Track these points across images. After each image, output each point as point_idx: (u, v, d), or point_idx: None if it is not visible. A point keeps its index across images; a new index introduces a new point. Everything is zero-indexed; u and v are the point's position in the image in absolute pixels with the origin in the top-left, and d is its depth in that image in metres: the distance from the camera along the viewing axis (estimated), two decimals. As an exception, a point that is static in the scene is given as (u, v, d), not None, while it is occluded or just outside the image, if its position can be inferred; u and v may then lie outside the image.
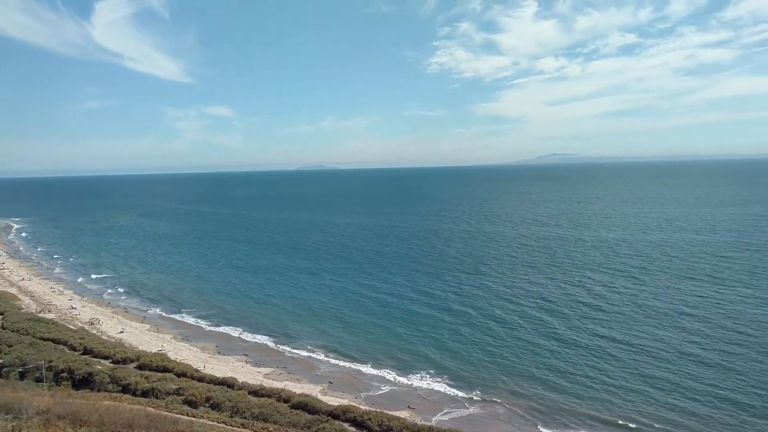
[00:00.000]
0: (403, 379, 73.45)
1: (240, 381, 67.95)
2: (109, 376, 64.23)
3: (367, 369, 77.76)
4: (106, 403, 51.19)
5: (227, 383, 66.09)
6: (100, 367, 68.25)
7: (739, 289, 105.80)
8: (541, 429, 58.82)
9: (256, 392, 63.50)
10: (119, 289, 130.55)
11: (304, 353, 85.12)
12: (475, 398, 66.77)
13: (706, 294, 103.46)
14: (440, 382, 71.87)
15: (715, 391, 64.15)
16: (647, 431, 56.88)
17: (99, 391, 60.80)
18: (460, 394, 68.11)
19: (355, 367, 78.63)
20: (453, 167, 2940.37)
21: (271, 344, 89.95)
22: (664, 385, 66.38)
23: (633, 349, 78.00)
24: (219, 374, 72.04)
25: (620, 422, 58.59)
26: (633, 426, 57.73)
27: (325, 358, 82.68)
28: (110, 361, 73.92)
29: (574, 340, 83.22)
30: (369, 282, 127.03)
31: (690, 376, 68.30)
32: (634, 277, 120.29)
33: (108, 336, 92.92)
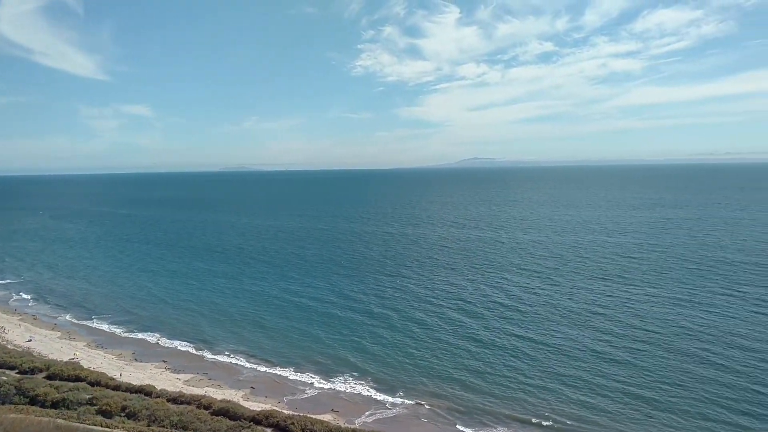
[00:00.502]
0: (325, 383, 73.31)
1: (158, 388, 66.21)
2: (15, 387, 61.08)
3: (289, 373, 77.14)
4: (12, 416, 48.82)
5: (145, 391, 64.19)
6: (5, 378, 64.77)
7: (646, 288, 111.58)
8: (460, 428, 60.20)
9: (176, 399, 61.99)
10: (25, 296, 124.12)
11: (225, 358, 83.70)
12: (397, 400, 67.47)
13: (616, 294, 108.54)
14: (363, 384, 72.24)
15: (624, 387, 67.48)
16: (560, 428, 59.26)
17: (3, 403, 57.73)
18: (383, 396, 68.67)
19: (277, 372, 77.90)
20: (377, 170, 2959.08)
21: (191, 350, 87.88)
22: (576, 383, 69.25)
23: (548, 349, 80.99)
24: (136, 382, 69.91)
25: (534, 420, 60.66)
26: (547, 423, 59.91)
27: (247, 363, 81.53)
28: (16, 371, 70.32)
29: (491, 340, 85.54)
30: (289, 286, 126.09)
31: (601, 374, 71.54)
32: (549, 278, 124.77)
33: (14, 345, 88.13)
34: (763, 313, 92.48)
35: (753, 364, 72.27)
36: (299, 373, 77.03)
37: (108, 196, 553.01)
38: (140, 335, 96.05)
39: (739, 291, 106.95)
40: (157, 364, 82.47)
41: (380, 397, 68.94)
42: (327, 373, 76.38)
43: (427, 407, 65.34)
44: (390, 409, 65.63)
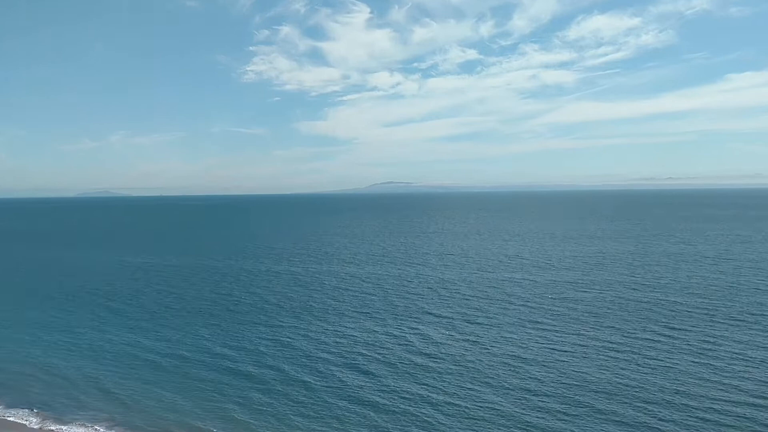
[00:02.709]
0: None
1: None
2: None
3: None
4: None
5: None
6: None
7: (580, 336, 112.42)
8: None
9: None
10: None
11: (74, 429, 78.98)
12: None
13: (546, 344, 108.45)
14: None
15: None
16: None
17: None
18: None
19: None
20: (274, 195, 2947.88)
21: (28, 421, 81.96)
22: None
23: (464, 417, 79.39)
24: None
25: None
26: None
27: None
28: None
29: (395, 405, 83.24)
30: (146, 340, 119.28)
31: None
32: (467, 324, 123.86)
33: None
34: (706, 364, 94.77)
35: (697, 427, 73.23)
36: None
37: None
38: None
39: (680, 337, 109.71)
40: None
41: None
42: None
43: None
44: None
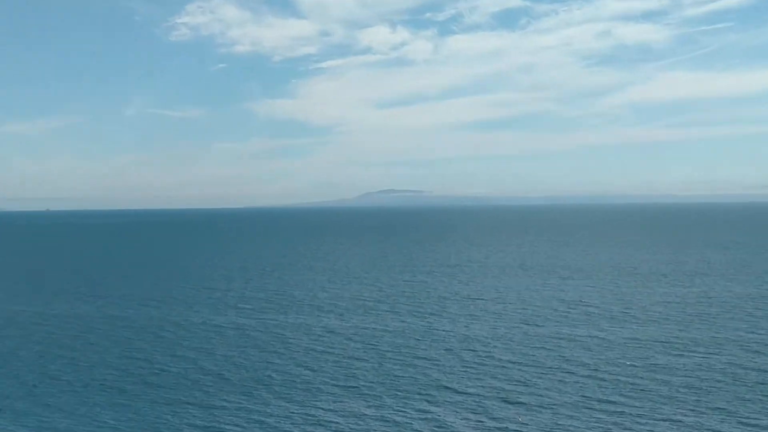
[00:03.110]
0: None
1: None
2: None
3: None
4: None
5: None
6: None
7: (679, 419, 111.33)
8: None
9: None
10: None
11: None
12: None
13: (625, 431, 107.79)
14: None
15: None
16: None
17: None
18: None
19: None
20: (218, 210, 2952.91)
21: None
22: None
23: None
24: None
25: None
26: None
27: None
28: None
29: None
30: (18, 429, 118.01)
31: None
32: (507, 401, 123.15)
33: None
34: None
35: None
36: None
37: None
38: None
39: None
40: None
41: None
42: None
43: None
44: None
